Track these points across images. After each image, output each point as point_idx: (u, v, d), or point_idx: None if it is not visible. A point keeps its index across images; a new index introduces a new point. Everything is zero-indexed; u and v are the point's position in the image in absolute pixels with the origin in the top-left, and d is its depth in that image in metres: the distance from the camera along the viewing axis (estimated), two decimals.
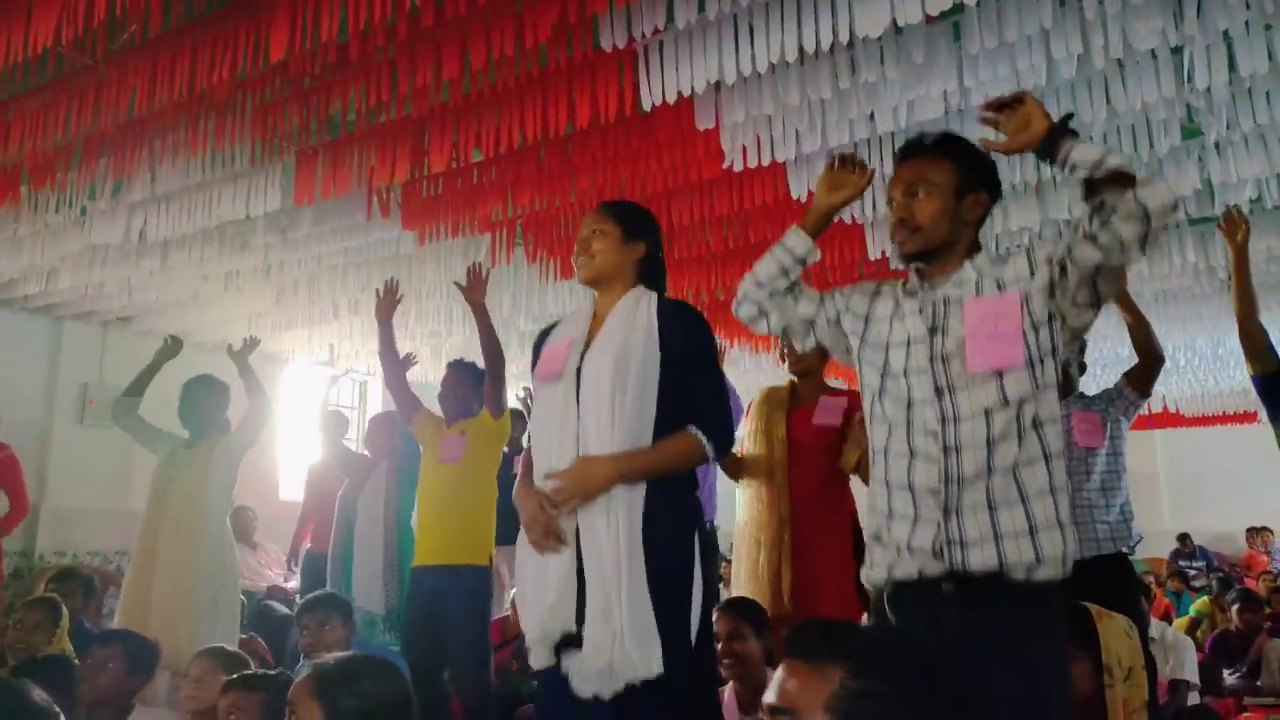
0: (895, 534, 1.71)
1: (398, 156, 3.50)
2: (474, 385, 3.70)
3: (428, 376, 7.67)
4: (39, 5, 2.62)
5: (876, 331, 1.83)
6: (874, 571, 1.76)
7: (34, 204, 4.17)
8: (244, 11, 2.78)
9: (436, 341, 6.59)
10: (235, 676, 2.30)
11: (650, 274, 2.17)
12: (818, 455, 3.02)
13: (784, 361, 3.25)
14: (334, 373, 4.74)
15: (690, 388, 2.00)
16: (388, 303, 3.75)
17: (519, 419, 4.84)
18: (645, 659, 1.84)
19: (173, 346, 4.04)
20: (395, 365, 3.80)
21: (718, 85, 3.04)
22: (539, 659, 1.98)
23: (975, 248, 1.81)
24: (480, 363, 3.69)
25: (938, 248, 1.78)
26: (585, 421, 1.97)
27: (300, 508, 5.62)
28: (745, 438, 3.21)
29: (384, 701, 1.61)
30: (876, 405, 1.80)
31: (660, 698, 1.86)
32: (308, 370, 7.82)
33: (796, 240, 1.95)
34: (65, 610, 3.56)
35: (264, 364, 7.25)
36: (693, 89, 2.90)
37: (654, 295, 2.11)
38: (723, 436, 2.01)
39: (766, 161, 3.44)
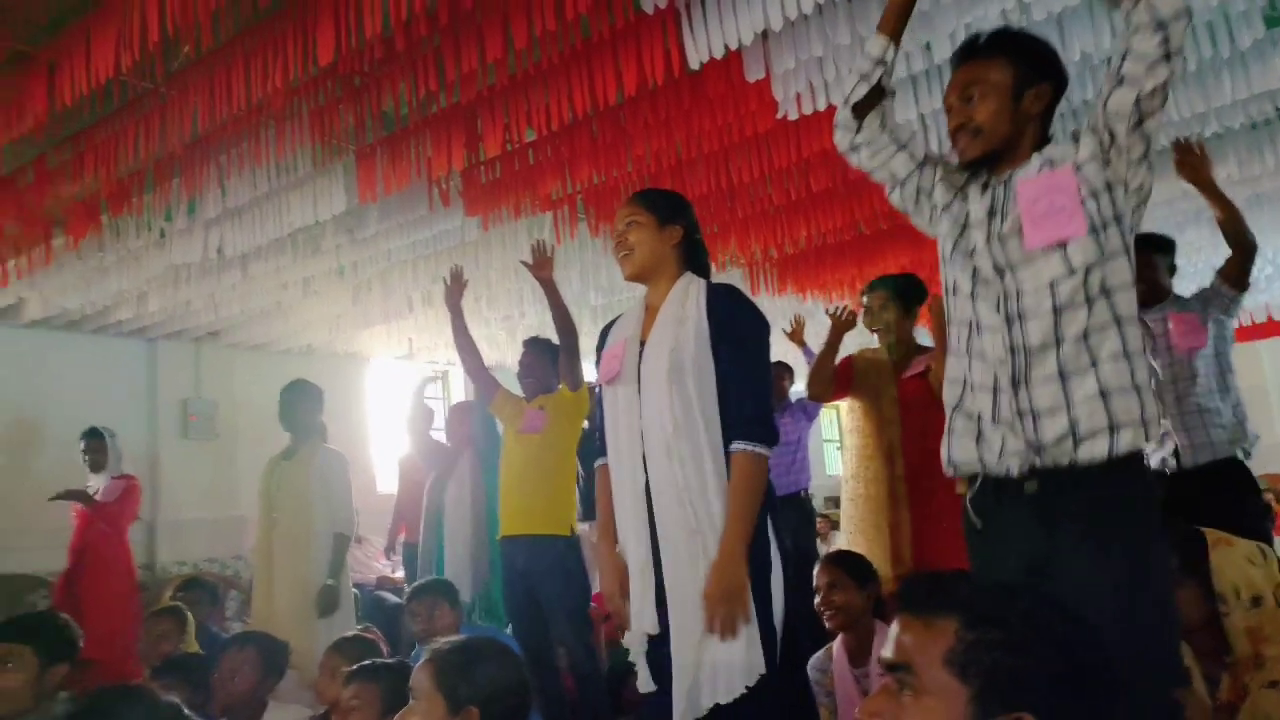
0: (973, 405, 1.68)
1: (453, 144, 3.53)
2: (551, 361, 3.74)
3: (505, 360, 7.79)
4: (96, 36, 2.70)
5: (957, 208, 1.78)
6: (956, 448, 1.71)
7: (116, 231, 4.34)
8: (289, 17, 2.81)
9: (510, 324, 6.66)
10: (355, 668, 2.37)
11: (693, 257, 2.14)
12: (926, 411, 3.00)
13: (871, 330, 3.23)
14: (427, 372, 4.81)
15: (731, 382, 1.96)
16: (456, 290, 3.80)
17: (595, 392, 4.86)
18: (750, 656, 1.82)
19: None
20: (471, 350, 3.86)
21: (764, 34, 2.96)
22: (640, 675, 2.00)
23: (1044, 141, 1.73)
24: (556, 339, 3.73)
25: (1000, 149, 1.71)
26: (648, 420, 1.96)
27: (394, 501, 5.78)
28: (850, 398, 3.22)
29: (501, 684, 1.64)
30: (949, 274, 1.77)
31: (766, 703, 1.83)
32: (389, 366, 8.01)
33: (873, 42, 1.86)
34: (191, 616, 3.74)
35: (346, 363, 7.50)
36: (739, 40, 2.83)
37: (702, 283, 2.07)
38: (765, 431, 1.96)
39: (822, 106, 3.35)
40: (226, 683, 2.93)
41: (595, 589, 4.42)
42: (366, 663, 2.45)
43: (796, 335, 5.00)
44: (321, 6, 2.71)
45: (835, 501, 11.54)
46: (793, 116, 3.39)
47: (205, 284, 5.13)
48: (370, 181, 3.85)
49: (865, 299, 3.23)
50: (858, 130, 1.88)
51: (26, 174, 3.76)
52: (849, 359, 3.30)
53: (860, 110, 1.86)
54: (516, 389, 3.84)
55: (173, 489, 6.38)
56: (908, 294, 3.19)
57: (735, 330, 1.98)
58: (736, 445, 1.91)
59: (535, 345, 3.81)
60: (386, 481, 7.60)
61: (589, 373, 4.07)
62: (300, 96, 3.35)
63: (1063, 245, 1.61)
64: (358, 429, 7.53)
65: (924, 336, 3.28)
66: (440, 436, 5.19)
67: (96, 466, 4.92)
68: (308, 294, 5.61)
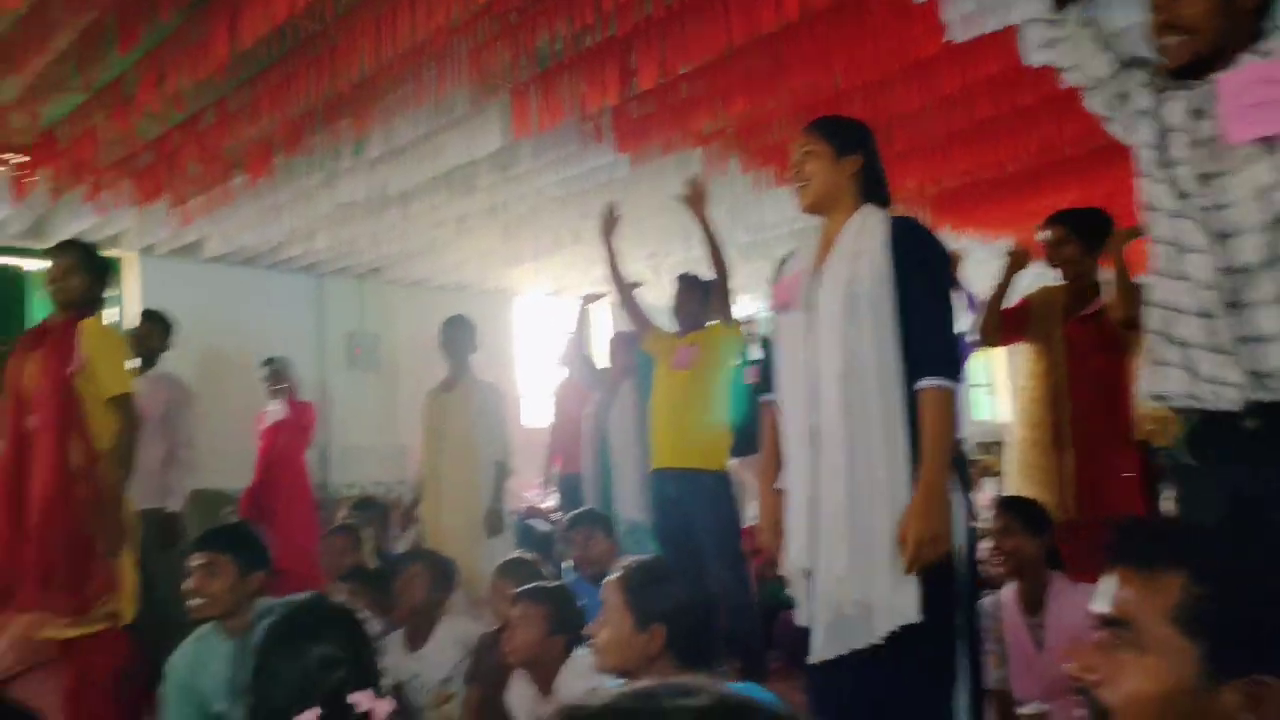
0: (1183, 332, 1.55)
1: (607, 79, 3.50)
2: (702, 297, 3.76)
3: (649, 296, 7.82)
4: None
5: (1159, 113, 1.63)
6: (1163, 379, 1.59)
7: (289, 170, 4.57)
8: None
9: (655, 261, 6.67)
10: (523, 589, 2.47)
11: (872, 188, 2.05)
12: (1098, 354, 2.83)
13: (1050, 264, 3.05)
14: (588, 295, 4.87)
15: (916, 316, 1.88)
16: (609, 225, 3.86)
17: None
18: (900, 601, 1.78)
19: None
20: (624, 284, 3.91)
21: None
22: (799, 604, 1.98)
23: (1257, 38, 1.54)
24: (704, 275, 3.72)
25: (1211, 50, 1.54)
26: (820, 353, 1.91)
27: (546, 433, 5.96)
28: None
29: (687, 604, 1.68)
30: (1148, 189, 1.64)
31: (919, 646, 1.79)
32: (536, 303, 8.19)
33: None
34: (364, 534, 4.01)
35: (494, 299, 7.72)
36: None
37: (882, 214, 1.99)
38: (952, 366, 1.89)
39: (993, 28, 3.13)
40: (404, 593, 3.14)
41: (747, 523, 4.45)
42: (532, 585, 2.55)
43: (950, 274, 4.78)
44: None
45: (986, 447, 11.14)
46: (960, 39, 3.18)
47: (369, 222, 5.35)
48: (524, 119, 3.88)
49: (1042, 234, 3.05)
50: (1055, 22, 1.73)
51: (208, 115, 3.99)
52: (1025, 300, 3.14)
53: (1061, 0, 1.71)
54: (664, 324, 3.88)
55: (341, 416, 6.79)
56: (1090, 228, 2.98)
57: (919, 264, 1.91)
58: (924, 381, 1.85)
59: (687, 281, 3.84)
60: (532, 416, 7.85)
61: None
62: (459, 35, 3.39)
63: (1272, 144, 1.45)
64: (505, 364, 7.77)
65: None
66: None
67: (276, 393, 5.30)
68: (461, 232, 5.77)
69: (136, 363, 3.94)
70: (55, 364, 2.87)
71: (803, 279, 2.02)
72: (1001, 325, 3.12)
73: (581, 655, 2.36)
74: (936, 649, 1.83)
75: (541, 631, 2.38)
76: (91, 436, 2.88)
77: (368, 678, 1.41)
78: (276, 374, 5.32)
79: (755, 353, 5.78)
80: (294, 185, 4.75)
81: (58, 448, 2.82)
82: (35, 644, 2.92)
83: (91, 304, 3.05)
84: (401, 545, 5.34)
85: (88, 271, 3.02)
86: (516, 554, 3.90)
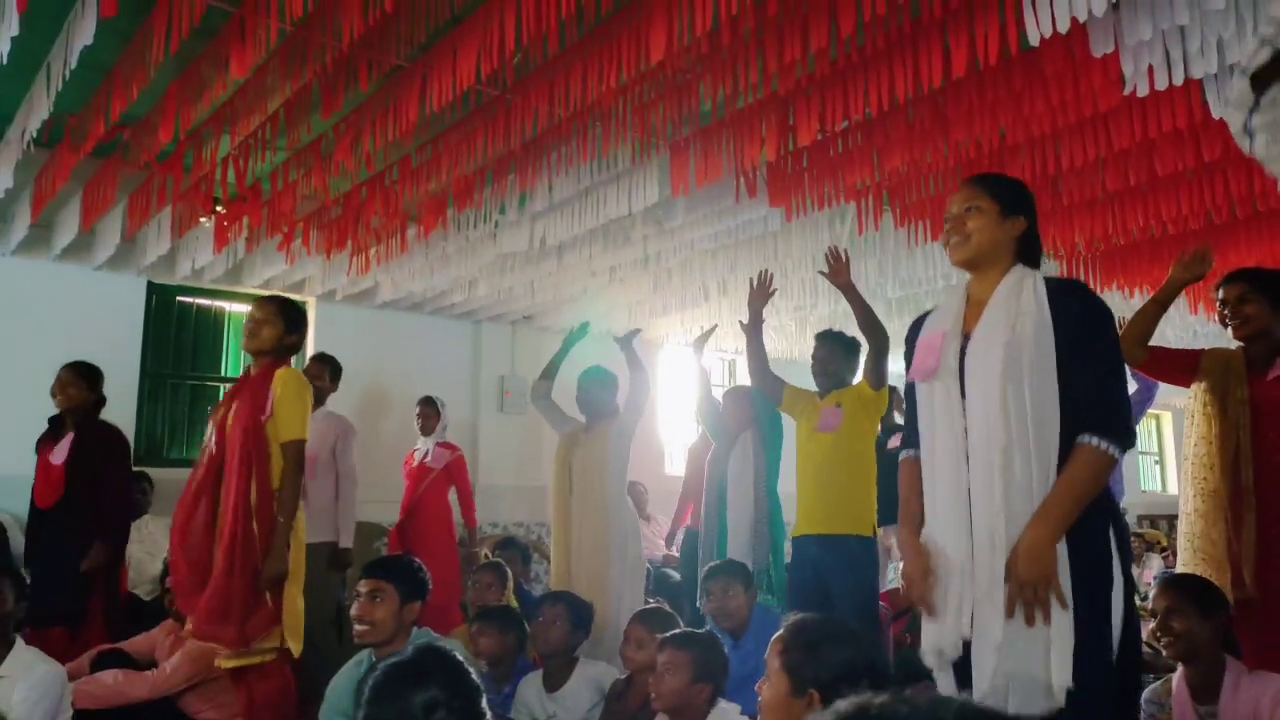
0: None
1: (766, 136, 3.57)
2: (845, 355, 3.72)
3: (793, 352, 7.79)
4: (462, 49, 3.03)
5: None
6: None
7: (458, 223, 4.86)
8: (625, 21, 2.98)
9: (801, 315, 6.66)
10: (671, 634, 2.50)
11: (1029, 251, 2.00)
12: None
13: (1224, 325, 2.88)
14: (699, 335, 4.93)
15: (1083, 377, 1.80)
16: (760, 294, 3.86)
17: (894, 393, 4.75)
18: (1054, 668, 1.70)
19: (579, 332, 4.46)
20: (759, 353, 3.89)
21: (1116, 3, 2.72)
22: (938, 677, 1.92)
23: None
24: (848, 331, 3.70)
25: None
26: (973, 419, 1.85)
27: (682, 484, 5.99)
28: (1192, 399, 2.91)
29: (846, 668, 1.66)
30: None
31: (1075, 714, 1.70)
32: (681, 352, 8.29)
33: None
34: (509, 573, 4.13)
35: (643, 348, 7.85)
36: (1089, 11, 2.62)
37: (1037, 275, 1.93)
38: (1125, 432, 1.79)
39: (1178, 81, 3.01)
40: (542, 634, 3.21)
41: (886, 586, 4.33)
42: (680, 631, 2.57)
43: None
44: (656, 6, 2.85)
45: (1150, 520, 10.42)
46: (1141, 92, 3.08)
47: (526, 272, 5.59)
48: (683, 174, 4.00)
49: (1221, 292, 2.89)
50: (1255, 108, 1.65)
51: (392, 172, 4.30)
52: (1198, 352, 2.97)
53: (1261, 82, 1.63)
54: (801, 382, 3.85)
55: (489, 457, 7.04)
56: (1276, 288, 2.81)
57: (1084, 324, 1.84)
58: (1085, 437, 1.78)
59: (830, 339, 3.78)
60: (674, 464, 7.90)
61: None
62: (625, 95, 3.55)
63: None
64: (649, 411, 7.86)
65: None
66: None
67: (426, 430, 5.56)
68: (613, 281, 5.94)
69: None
70: (250, 409, 3.08)
71: (949, 341, 1.97)
72: (1145, 342, 2.96)
73: (727, 707, 2.36)
74: None
75: (687, 678, 2.39)
76: (270, 478, 3.05)
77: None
78: (428, 412, 5.59)
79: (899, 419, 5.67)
80: (461, 236, 5.04)
81: (242, 487, 3.00)
82: (206, 662, 3.15)
83: (287, 350, 3.28)
84: (540, 587, 5.47)
85: (283, 321, 3.23)
86: (653, 603, 3.93)
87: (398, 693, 1.47)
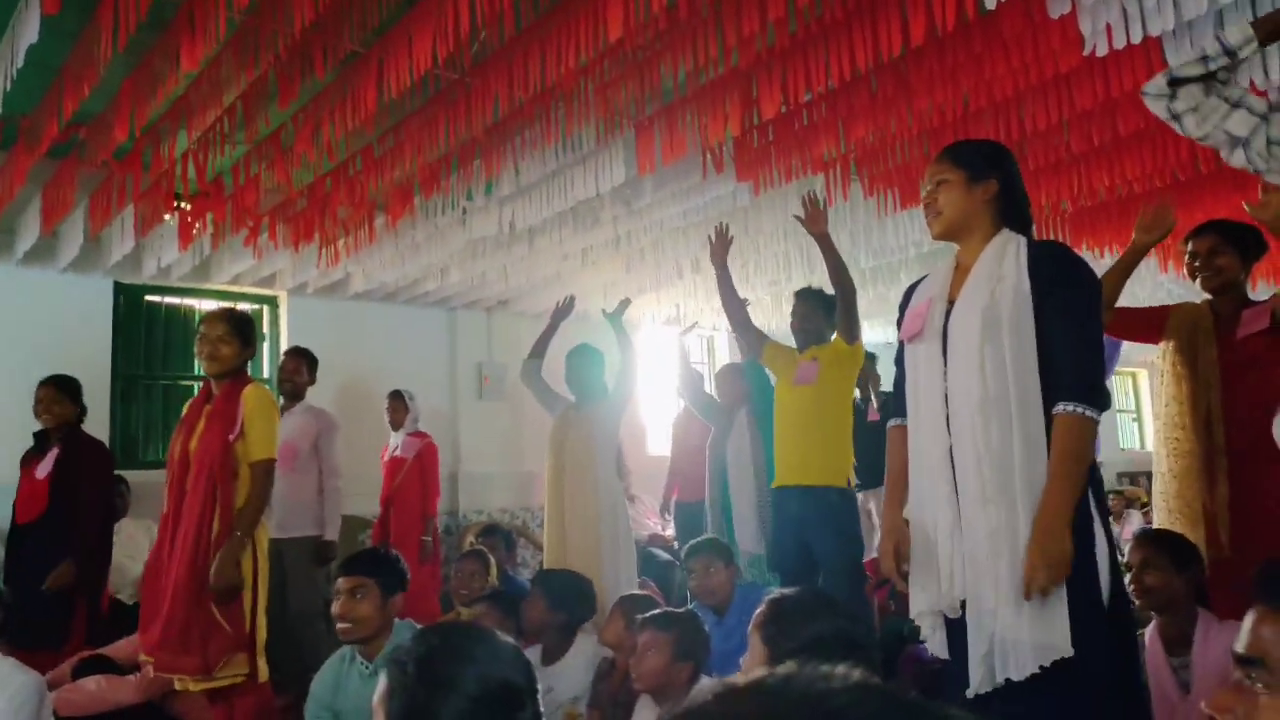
0: None
1: (729, 110, 3.56)
2: (824, 312, 3.77)
3: (771, 325, 7.80)
4: (416, 33, 2.99)
5: None
6: None
7: (425, 211, 4.81)
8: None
9: (776, 289, 6.66)
10: (651, 614, 2.51)
11: (1010, 211, 2.01)
12: (1253, 374, 2.66)
13: (1193, 278, 2.89)
14: (683, 326, 4.98)
15: (1057, 340, 1.83)
16: (720, 246, 3.94)
17: (868, 358, 4.78)
18: (1049, 636, 1.72)
19: (566, 307, 4.44)
20: (737, 305, 3.97)
21: None
22: (929, 637, 1.95)
23: None
24: (825, 289, 3.73)
25: None
26: (953, 383, 1.89)
27: (668, 461, 6.01)
28: (1161, 359, 2.93)
29: (823, 639, 1.67)
30: None
31: (1076, 682, 1.72)
32: (656, 332, 8.28)
33: (1235, 31, 1.71)
34: (492, 559, 4.13)
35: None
36: None
37: (1021, 240, 1.95)
38: (1095, 394, 1.81)
39: (1137, 39, 3.02)
40: (526, 611, 3.23)
41: (870, 554, 4.37)
42: (659, 611, 2.58)
43: None
44: None
45: (1130, 478, 10.55)
46: (1101, 52, 3.09)
47: (498, 257, 5.56)
48: (648, 153, 3.97)
49: (1191, 245, 2.90)
50: (1173, 97, 1.69)
51: (356, 162, 4.25)
52: (1165, 308, 2.99)
53: (1178, 82, 1.67)
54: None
55: (470, 444, 7.03)
56: (1245, 240, 2.82)
57: (1062, 288, 1.86)
58: (1062, 407, 1.80)
59: (808, 296, 3.86)
60: (656, 444, 7.92)
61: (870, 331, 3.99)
62: (587, 76, 3.51)
63: None
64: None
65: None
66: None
67: (396, 424, 5.55)
68: (585, 264, 5.92)
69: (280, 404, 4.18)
70: (219, 429, 3.02)
71: (935, 306, 1.99)
72: (1129, 315, 2.97)
73: (709, 684, 2.37)
74: (1094, 683, 1.76)
75: (667, 658, 2.40)
76: (233, 499, 3.00)
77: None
78: (395, 406, 5.57)
79: (882, 385, 5.72)
80: (430, 224, 5.00)
81: (204, 510, 2.95)
82: (166, 682, 3.07)
83: (243, 367, 3.23)
84: (526, 572, 5.48)
85: (238, 338, 3.18)
86: (638, 587, 3.96)
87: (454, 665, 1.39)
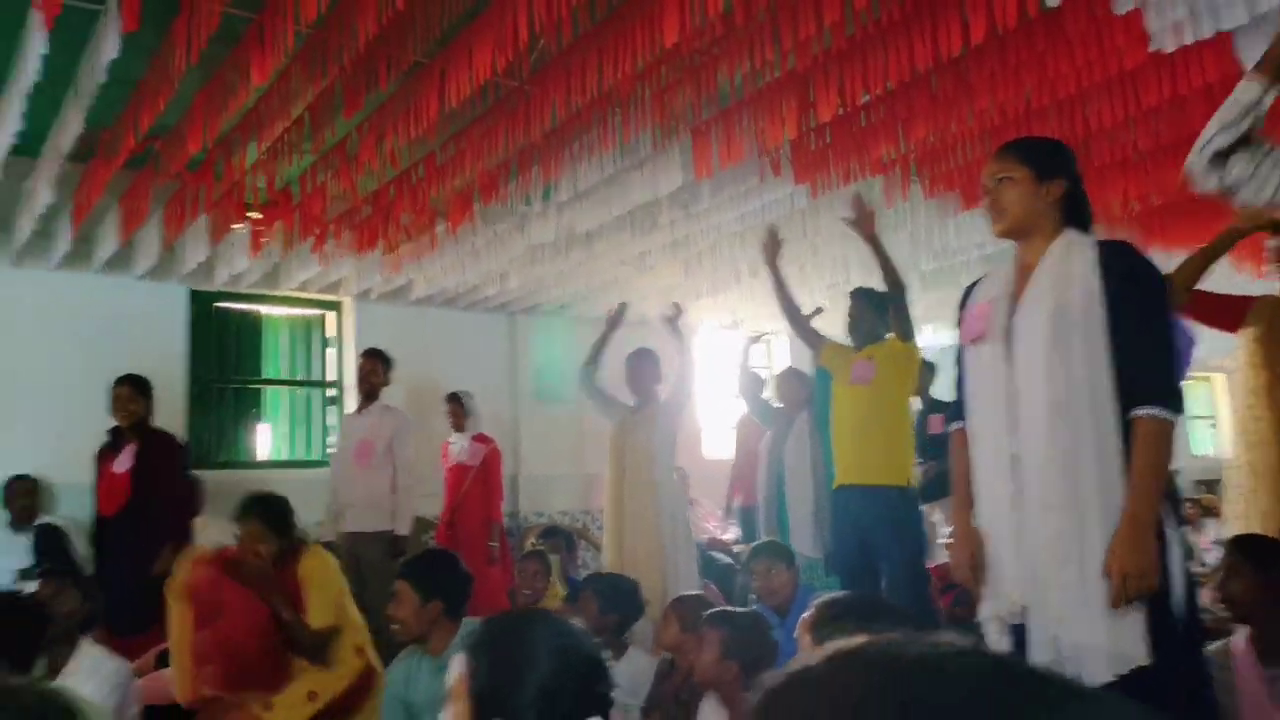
0: None
1: (786, 114, 3.55)
2: (878, 311, 3.74)
3: (828, 328, 7.73)
4: (477, 43, 3.05)
5: None
6: None
7: (485, 218, 4.89)
8: (638, 6, 2.98)
9: (835, 292, 6.59)
10: (711, 612, 2.51)
11: (1075, 212, 1.97)
12: None
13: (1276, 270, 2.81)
14: (751, 335, 4.99)
15: (1130, 342, 1.79)
16: (771, 247, 3.93)
17: (928, 368, 4.72)
18: (1126, 645, 1.68)
19: (618, 315, 4.48)
20: (792, 304, 3.96)
21: None
22: (995, 643, 1.91)
23: None
24: (878, 288, 3.71)
25: None
26: (1019, 385, 1.85)
27: (729, 465, 6.00)
28: (1241, 349, 2.85)
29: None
30: None
31: (1149, 693, 1.67)
32: (714, 335, 8.28)
33: (1247, 87, 1.72)
34: (553, 560, 4.18)
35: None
36: None
37: (1088, 240, 1.90)
38: (1172, 396, 1.78)
39: (1206, 34, 2.94)
40: (581, 616, 3.24)
41: (933, 560, 4.31)
42: (718, 609, 2.59)
43: None
44: None
45: (1207, 485, 10.19)
46: (1168, 48, 3.01)
47: (556, 262, 5.62)
48: (705, 157, 3.99)
49: (1275, 240, 2.82)
50: (1223, 175, 1.66)
51: (418, 170, 4.35)
52: (1249, 298, 2.90)
53: (1219, 159, 1.64)
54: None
55: (530, 447, 7.10)
56: None
57: (1134, 289, 1.82)
58: (1141, 410, 1.76)
59: (861, 295, 3.84)
60: (713, 448, 7.91)
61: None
62: (643, 81, 3.54)
63: None
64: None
65: None
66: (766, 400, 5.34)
67: (457, 426, 5.64)
68: (643, 268, 5.95)
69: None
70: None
71: (997, 306, 1.96)
72: (1210, 299, 2.89)
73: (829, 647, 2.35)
74: (1166, 694, 1.72)
75: (715, 655, 2.40)
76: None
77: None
78: (455, 409, 5.66)
79: (939, 393, 5.64)
80: (490, 230, 5.07)
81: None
82: None
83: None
84: (586, 574, 5.52)
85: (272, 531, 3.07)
86: (697, 589, 3.95)
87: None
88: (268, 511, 3.07)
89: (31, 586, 3.03)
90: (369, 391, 4.84)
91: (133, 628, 3.75)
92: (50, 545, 4.51)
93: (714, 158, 3.92)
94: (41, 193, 4.05)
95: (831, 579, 3.98)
